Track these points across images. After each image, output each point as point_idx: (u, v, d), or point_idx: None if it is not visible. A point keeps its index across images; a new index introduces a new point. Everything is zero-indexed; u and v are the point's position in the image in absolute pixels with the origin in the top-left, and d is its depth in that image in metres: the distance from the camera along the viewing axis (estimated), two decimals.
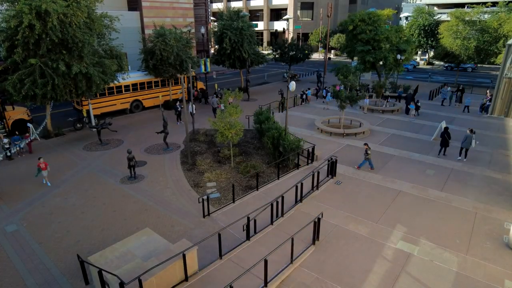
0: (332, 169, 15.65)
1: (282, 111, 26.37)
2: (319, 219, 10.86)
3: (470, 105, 27.44)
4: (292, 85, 16.73)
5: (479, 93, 34.06)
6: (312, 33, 73.03)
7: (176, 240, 10.86)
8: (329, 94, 29.64)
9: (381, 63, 31.47)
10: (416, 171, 16.41)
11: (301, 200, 13.52)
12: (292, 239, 9.79)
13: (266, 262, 8.76)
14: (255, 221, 11.42)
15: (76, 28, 17.60)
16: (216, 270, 9.80)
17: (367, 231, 11.72)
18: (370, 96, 30.10)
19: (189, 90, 26.41)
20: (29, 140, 17.81)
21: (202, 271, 9.69)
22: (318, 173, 14.49)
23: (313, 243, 10.89)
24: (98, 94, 23.52)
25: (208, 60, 31.12)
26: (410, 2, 68.39)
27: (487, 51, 34.50)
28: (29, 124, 20.36)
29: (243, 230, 11.02)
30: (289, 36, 62.43)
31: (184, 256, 8.92)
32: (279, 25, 75.22)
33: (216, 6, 74.31)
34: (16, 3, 17.14)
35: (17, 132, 19.22)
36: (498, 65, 31.99)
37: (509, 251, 10.69)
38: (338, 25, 40.88)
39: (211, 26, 44.01)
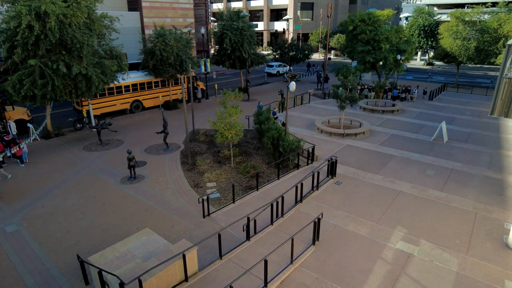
0: (332, 169, 15.65)
1: (282, 111, 26.36)
2: (319, 219, 10.86)
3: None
4: (292, 85, 16.73)
5: (479, 93, 34.12)
6: (312, 34, 73.05)
7: (176, 240, 10.87)
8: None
9: (381, 63, 31.50)
10: (416, 171, 16.41)
11: (301, 200, 13.52)
12: (292, 239, 9.79)
13: (266, 262, 8.76)
14: (255, 221, 11.42)
15: (76, 29, 17.61)
16: (216, 270, 9.80)
17: (367, 231, 11.72)
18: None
19: (189, 90, 26.41)
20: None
21: (202, 271, 9.69)
22: (318, 173, 14.49)
23: (313, 243, 10.89)
24: (98, 95, 23.53)
25: (208, 60, 31.10)
26: (410, 3, 68.41)
27: (487, 51, 34.52)
28: (29, 125, 20.42)
29: (243, 230, 11.02)
30: (289, 36, 62.42)
31: (184, 256, 8.92)
32: (279, 26, 75.26)
33: (216, 6, 74.32)
34: (17, 4, 17.16)
35: None
36: (498, 65, 31.98)
37: (509, 251, 10.69)
38: (338, 25, 40.83)
39: (211, 27, 44.04)
